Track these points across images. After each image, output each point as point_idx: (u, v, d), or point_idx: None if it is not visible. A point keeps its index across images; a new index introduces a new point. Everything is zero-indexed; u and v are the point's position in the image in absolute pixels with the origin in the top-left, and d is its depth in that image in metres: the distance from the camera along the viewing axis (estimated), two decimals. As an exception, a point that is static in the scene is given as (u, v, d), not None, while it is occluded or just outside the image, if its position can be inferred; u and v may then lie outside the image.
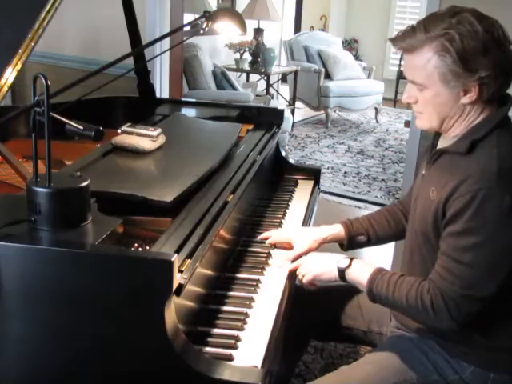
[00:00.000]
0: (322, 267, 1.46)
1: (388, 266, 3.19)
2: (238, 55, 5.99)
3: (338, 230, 1.65)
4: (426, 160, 1.44)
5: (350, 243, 1.65)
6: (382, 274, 1.36)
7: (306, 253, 1.61)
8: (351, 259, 1.42)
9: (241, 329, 1.24)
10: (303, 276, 1.49)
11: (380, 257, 3.37)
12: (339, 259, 1.43)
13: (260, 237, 1.67)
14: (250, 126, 2.13)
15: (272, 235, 1.67)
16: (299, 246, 1.61)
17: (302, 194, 2.10)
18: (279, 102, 6.78)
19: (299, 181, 2.20)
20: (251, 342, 1.21)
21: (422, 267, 1.40)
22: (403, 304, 1.31)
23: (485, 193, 1.19)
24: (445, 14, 1.24)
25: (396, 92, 7.80)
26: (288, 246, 1.65)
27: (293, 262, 1.58)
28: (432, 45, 1.22)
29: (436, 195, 1.30)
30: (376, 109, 7.02)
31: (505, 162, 1.22)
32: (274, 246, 1.65)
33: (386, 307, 1.45)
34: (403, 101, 1.36)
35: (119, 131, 1.69)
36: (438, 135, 1.44)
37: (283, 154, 2.24)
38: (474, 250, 1.22)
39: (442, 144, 1.40)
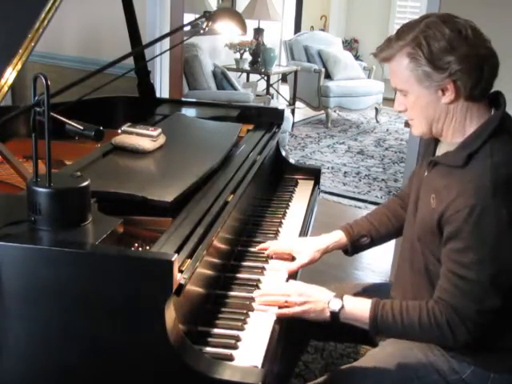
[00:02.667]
0: (312, 306, 1.35)
1: (388, 266, 3.19)
2: (238, 55, 5.99)
3: (339, 237, 1.63)
4: (426, 163, 1.44)
5: (353, 248, 1.64)
6: (382, 304, 1.33)
7: (308, 264, 1.58)
8: (341, 298, 1.35)
9: (241, 329, 1.24)
10: (287, 304, 1.35)
11: (380, 257, 3.37)
12: (329, 300, 1.35)
13: (258, 248, 1.62)
14: (250, 126, 2.13)
15: (270, 246, 1.62)
16: (301, 257, 1.58)
17: (302, 193, 2.10)
18: (279, 102, 6.79)
19: (299, 181, 2.20)
20: (251, 342, 1.21)
21: (421, 266, 1.40)
22: (415, 330, 1.30)
23: (481, 208, 1.21)
24: (416, 22, 1.30)
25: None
26: (287, 257, 1.61)
27: (292, 272, 1.54)
28: (404, 51, 1.29)
29: (436, 205, 1.31)
30: (376, 109, 7.02)
31: (499, 174, 1.23)
32: (271, 257, 1.60)
33: (389, 337, 1.43)
34: (395, 110, 1.41)
35: (119, 131, 1.69)
36: (436, 141, 1.44)
37: (283, 153, 2.24)
38: (477, 265, 1.23)
39: (440, 149, 1.41)
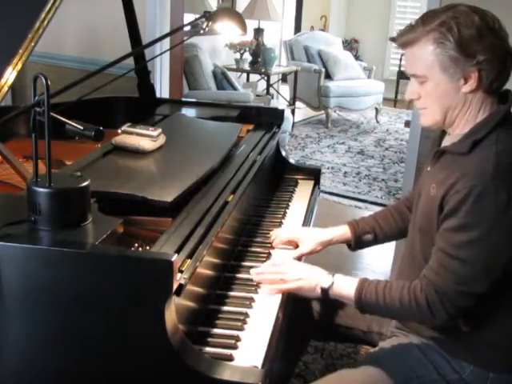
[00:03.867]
0: (305, 283, 1.40)
1: (388, 266, 3.19)
2: (238, 55, 5.99)
3: (343, 231, 1.66)
4: (430, 157, 1.45)
5: (356, 243, 1.66)
6: (367, 282, 1.36)
7: (308, 254, 1.63)
8: (333, 276, 1.39)
9: (241, 329, 1.24)
10: (282, 281, 1.41)
11: (380, 257, 3.37)
12: (321, 279, 1.39)
13: (273, 241, 1.66)
14: (250, 126, 2.13)
15: (279, 236, 1.67)
16: (303, 247, 1.63)
17: (302, 193, 2.10)
18: (279, 102, 6.79)
19: (299, 181, 2.20)
20: (251, 341, 1.20)
21: (421, 262, 1.40)
22: (396, 308, 1.31)
23: (480, 189, 1.21)
24: (441, 10, 1.30)
25: (396, 92, 7.80)
26: (288, 245, 1.66)
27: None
28: (430, 35, 1.27)
29: (436, 192, 1.32)
30: (376, 109, 7.02)
31: (501, 159, 1.24)
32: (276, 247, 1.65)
33: (375, 315, 1.45)
34: (406, 97, 1.39)
35: (119, 131, 1.69)
36: (443, 134, 1.45)
37: (283, 154, 2.24)
38: (469, 245, 1.23)
39: (447, 142, 1.41)
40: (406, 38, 1.31)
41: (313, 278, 1.40)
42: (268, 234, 1.72)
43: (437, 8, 1.32)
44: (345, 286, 1.37)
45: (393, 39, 1.35)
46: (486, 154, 1.25)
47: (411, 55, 1.32)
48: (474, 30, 1.23)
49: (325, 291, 1.38)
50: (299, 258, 1.63)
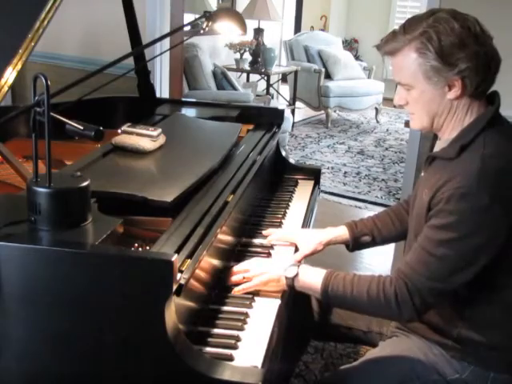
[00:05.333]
0: (270, 276, 1.39)
1: (388, 266, 3.19)
2: (238, 55, 5.99)
3: (342, 231, 1.66)
4: (423, 163, 1.46)
5: (354, 244, 1.66)
6: (335, 274, 1.35)
7: (310, 254, 1.63)
8: (298, 266, 1.40)
9: (241, 329, 1.24)
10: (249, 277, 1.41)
11: (380, 257, 3.37)
12: (286, 268, 1.39)
13: (264, 232, 1.69)
14: (250, 126, 2.13)
15: (275, 233, 1.68)
16: (305, 248, 1.62)
17: (302, 193, 2.10)
18: (279, 102, 6.78)
19: (299, 181, 2.21)
20: (251, 341, 1.21)
21: None
22: (363, 300, 1.31)
23: (463, 191, 1.22)
24: (422, 16, 1.29)
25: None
26: (290, 245, 1.66)
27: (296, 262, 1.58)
28: (412, 45, 1.27)
29: (426, 197, 1.32)
30: (376, 109, 7.02)
31: (486, 162, 1.24)
32: (273, 245, 1.66)
33: (341, 309, 1.44)
34: (395, 103, 1.40)
35: (119, 131, 1.69)
36: (435, 138, 1.46)
37: (283, 154, 2.24)
38: (448, 244, 1.24)
39: (438, 147, 1.42)
40: (389, 48, 1.32)
41: (277, 270, 1.39)
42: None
43: (419, 14, 1.31)
44: (311, 277, 1.37)
45: (377, 47, 1.36)
46: (473, 158, 1.26)
47: (395, 64, 1.33)
48: (454, 38, 1.23)
49: (290, 282, 1.37)
50: (300, 260, 1.62)
